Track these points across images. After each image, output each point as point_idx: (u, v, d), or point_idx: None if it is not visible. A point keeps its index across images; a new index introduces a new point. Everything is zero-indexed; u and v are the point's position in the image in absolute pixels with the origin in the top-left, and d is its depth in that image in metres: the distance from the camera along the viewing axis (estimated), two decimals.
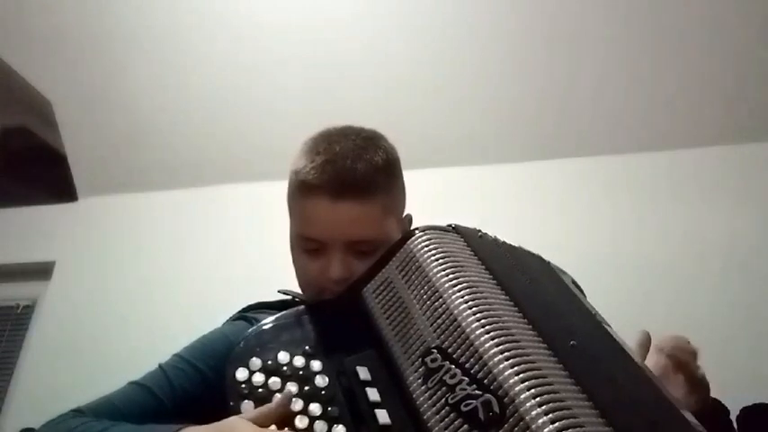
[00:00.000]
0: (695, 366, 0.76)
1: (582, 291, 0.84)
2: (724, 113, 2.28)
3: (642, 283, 2.06)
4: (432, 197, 1.91)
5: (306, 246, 0.82)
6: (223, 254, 2.49)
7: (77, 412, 0.73)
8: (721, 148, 2.30)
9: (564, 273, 0.84)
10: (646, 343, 0.77)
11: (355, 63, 2.38)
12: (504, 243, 0.78)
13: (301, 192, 0.81)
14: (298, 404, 0.61)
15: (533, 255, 0.82)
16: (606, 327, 0.73)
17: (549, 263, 0.84)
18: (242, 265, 2.40)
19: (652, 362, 0.74)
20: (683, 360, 0.75)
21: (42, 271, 2.62)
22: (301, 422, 0.59)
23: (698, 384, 0.75)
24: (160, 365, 0.79)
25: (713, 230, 2.14)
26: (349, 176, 0.79)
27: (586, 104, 2.35)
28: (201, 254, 2.51)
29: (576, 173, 2.38)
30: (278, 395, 0.62)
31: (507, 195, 2.38)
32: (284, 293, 0.90)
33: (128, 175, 2.71)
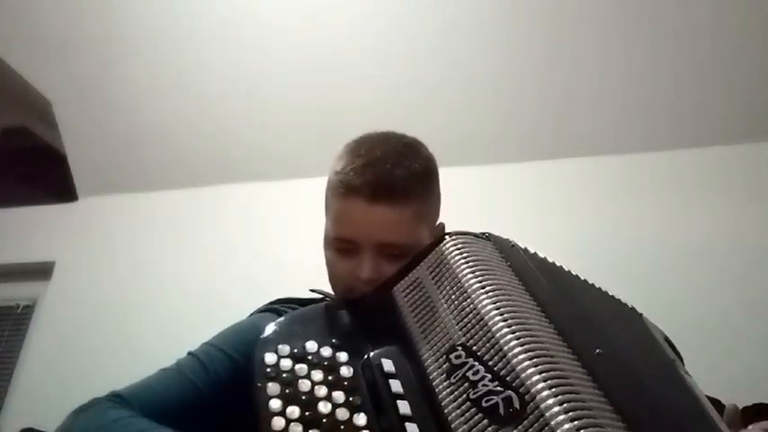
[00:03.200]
0: None
1: (675, 349, 0.84)
2: (724, 113, 2.28)
3: (642, 282, 2.06)
4: None
5: (339, 245, 0.84)
6: (223, 254, 2.49)
7: (117, 396, 0.73)
8: (721, 148, 2.30)
9: (656, 328, 0.86)
10: (735, 418, 0.76)
11: (355, 64, 2.39)
12: (534, 254, 0.80)
13: (339, 191, 0.84)
14: (322, 391, 0.63)
15: (569, 271, 0.83)
16: (677, 366, 0.74)
17: (596, 287, 0.84)
18: (241, 265, 2.40)
19: None
20: None
21: (42, 271, 2.62)
22: (325, 408, 0.61)
23: None
24: (190, 353, 0.80)
25: (713, 230, 2.15)
26: (386, 180, 0.81)
27: (586, 104, 2.36)
28: (201, 254, 2.51)
29: (576, 173, 2.38)
30: (304, 381, 0.63)
31: (507, 195, 2.38)
32: (315, 292, 0.91)
33: (127, 175, 2.72)
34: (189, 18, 2.36)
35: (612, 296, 0.86)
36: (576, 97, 2.35)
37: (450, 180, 2.75)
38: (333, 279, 0.87)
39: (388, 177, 0.82)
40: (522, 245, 0.80)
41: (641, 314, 0.86)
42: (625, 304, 0.86)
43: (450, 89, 2.40)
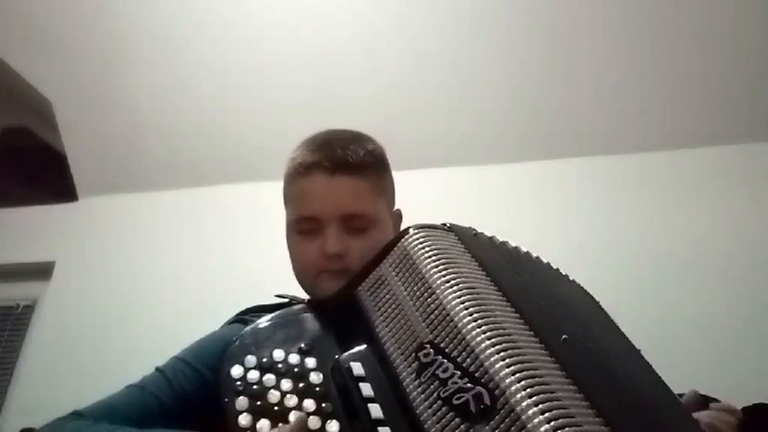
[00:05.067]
0: None
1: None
2: (724, 113, 2.28)
3: (642, 283, 2.06)
4: (432, 197, 1.92)
5: (302, 227, 0.85)
6: (223, 254, 2.49)
7: (77, 415, 0.73)
8: (721, 148, 2.30)
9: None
10: (694, 401, 0.77)
11: (355, 63, 2.39)
12: (501, 242, 0.79)
13: (298, 173, 0.86)
14: (292, 400, 0.62)
15: (539, 259, 0.83)
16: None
17: (556, 269, 0.85)
18: (241, 265, 2.40)
19: None
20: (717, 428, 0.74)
21: (42, 271, 2.62)
22: (296, 418, 0.60)
23: None
24: (157, 368, 0.79)
25: (713, 230, 2.14)
26: (343, 155, 0.85)
27: (586, 104, 2.35)
28: (201, 254, 2.51)
29: (576, 173, 2.38)
30: (273, 391, 0.63)
31: (507, 195, 2.38)
32: (281, 297, 0.90)
33: (128, 175, 2.71)
34: (189, 18, 2.36)
35: (565, 275, 0.86)
36: (575, 97, 2.35)
37: (451, 180, 2.75)
38: (300, 267, 0.87)
39: (345, 152, 0.85)
40: (509, 240, 0.80)
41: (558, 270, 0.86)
42: (543, 260, 0.85)
43: (449, 89, 2.40)
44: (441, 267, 0.66)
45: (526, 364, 0.54)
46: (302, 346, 0.68)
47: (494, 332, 0.57)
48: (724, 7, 2.12)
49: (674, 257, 2.12)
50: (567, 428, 0.49)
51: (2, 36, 2.40)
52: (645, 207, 2.25)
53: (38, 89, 2.53)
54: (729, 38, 2.17)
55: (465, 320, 0.59)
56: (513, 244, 0.81)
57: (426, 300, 0.64)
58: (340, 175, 0.83)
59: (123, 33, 2.42)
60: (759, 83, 2.22)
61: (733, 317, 1.96)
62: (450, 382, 0.56)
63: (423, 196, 1.85)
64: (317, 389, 0.63)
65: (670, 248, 2.14)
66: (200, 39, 2.40)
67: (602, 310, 0.82)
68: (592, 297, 0.84)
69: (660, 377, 0.71)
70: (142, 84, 2.53)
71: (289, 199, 0.90)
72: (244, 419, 0.60)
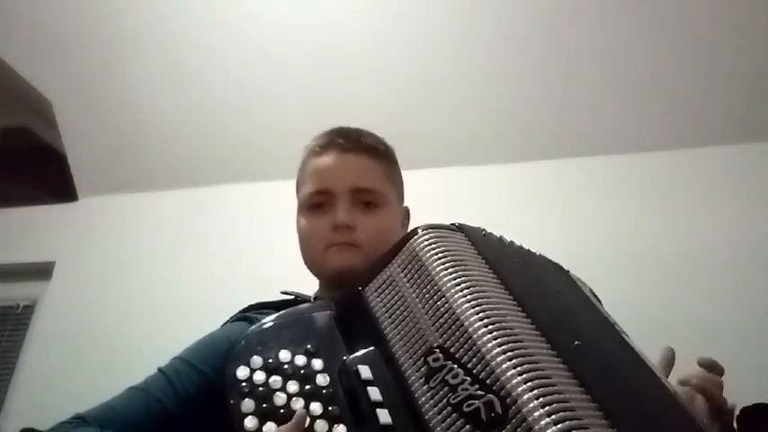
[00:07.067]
0: (720, 397, 0.74)
1: (599, 301, 0.84)
2: (724, 113, 2.28)
3: (642, 283, 2.06)
4: (432, 197, 1.91)
5: (315, 200, 0.89)
6: (223, 254, 2.49)
7: (79, 419, 0.72)
8: (721, 148, 2.29)
9: (582, 283, 0.85)
10: (670, 359, 0.76)
11: (356, 63, 2.38)
12: (510, 243, 0.78)
13: (314, 153, 0.92)
14: (298, 403, 0.61)
15: (543, 257, 0.82)
16: (622, 334, 0.73)
17: (561, 266, 0.84)
18: (242, 265, 2.40)
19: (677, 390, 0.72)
20: (709, 390, 0.73)
21: (42, 271, 2.62)
22: (296, 415, 0.59)
23: (721, 412, 0.74)
24: (160, 369, 0.79)
25: (713, 230, 2.14)
26: (357, 136, 0.92)
27: (586, 104, 2.35)
28: (201, 254, 2.51)
29: (576, 173, 2.38)
30: (279, 394, 0.62)
31: (507, 195, 2.38)
32: (286, 294, 0.90)
33: (128, 175, 2.71)
34: (189, 18, 2.36)
35: (557, 265, 0.84)
36: (576, 97, 2.35)
37: (451, 180, 2.75)
38: (308, 243, 0.90)
39: (358, 135, 0.93)
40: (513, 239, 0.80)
41: (562, 267, 0.85)
42: (547, 258, 0.84)
43: (450, 89, 2.40)
44: (450, 269, 0.65)
45: (538, 372, 0.53)
46: (309, 347, 0.66)
47: (505, 338, 0.56)
48: (724, 7, 2.12)
49: (675, 257, 2.12)
50: None
51: (2, 36, 2.39)
52: (646, 207, 2.25)
53: (38, 89, 2.53)
54: (730, 37, 2.17)
55: (475, 325, 0.58)
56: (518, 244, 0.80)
57: (436, 303, 0.62)
58: (353, 152, 0.89)
59: (123, 33, 2.42)
60: (759, 83, 2.22)
61: (734, 316, 1.96)
62: (460, 389, 0.55)
63: (423, 196, 1.85)
64: (324, 391, 0.62)
65: (671, 248, 2.14)
66: (200, 39, 2.40)
67: (590, 301, 0.81)
68: (580, 288, 0.83)
69: (651, 368, 0.70)
70: (142, 84, 2.52)
71: (302, 180, 0.93)
72: (250, 422, 0.59)
